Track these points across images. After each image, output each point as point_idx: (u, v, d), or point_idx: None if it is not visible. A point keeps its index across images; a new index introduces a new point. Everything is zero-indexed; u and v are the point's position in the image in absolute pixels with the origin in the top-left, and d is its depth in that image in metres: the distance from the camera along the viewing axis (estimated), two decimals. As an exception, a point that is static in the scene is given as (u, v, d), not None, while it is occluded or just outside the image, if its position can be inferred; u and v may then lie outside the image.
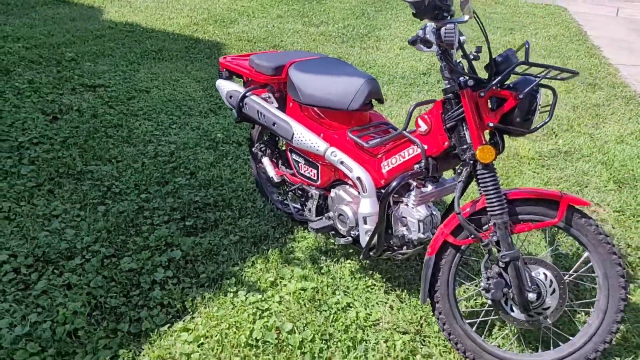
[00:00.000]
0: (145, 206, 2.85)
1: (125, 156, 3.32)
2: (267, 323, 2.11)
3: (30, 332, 2.02)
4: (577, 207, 1.79)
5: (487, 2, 8.74)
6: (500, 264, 1.80)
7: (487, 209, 1.79)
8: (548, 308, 1.82)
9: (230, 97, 2.49)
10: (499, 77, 1.73)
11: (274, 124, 2.32)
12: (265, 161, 2.54)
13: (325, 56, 2.52)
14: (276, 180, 2.48)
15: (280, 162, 2.62)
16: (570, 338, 1.88)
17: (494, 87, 1.74)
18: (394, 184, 1.93)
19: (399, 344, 2.00)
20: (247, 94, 2.44)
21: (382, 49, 6.04)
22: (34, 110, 3.72)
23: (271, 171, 2.50)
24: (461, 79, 1.77)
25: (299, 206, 2.62)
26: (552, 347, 1.93)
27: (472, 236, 1.82)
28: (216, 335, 2.06)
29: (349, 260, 2.48)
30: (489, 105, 1.79)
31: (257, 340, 2.03)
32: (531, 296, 1.78)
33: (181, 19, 6.43)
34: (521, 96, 1.70)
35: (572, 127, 3.93)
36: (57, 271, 2.35)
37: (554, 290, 1.82)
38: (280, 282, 2.36)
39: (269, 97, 2.44)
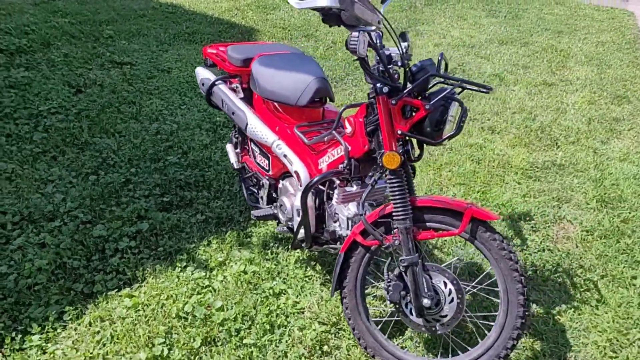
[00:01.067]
0: (132, 179, 3.08)
1: (129, 131, 3.57)
2: (202, 299, 2.27)
3: (-4, 281, 2.29)
4: (483, 220, 1.81)
5: (546, 1, 8.39)
6: (401, 267, 1.86)
7: (393, 213, 1.85)
8: (445, 316, 1.87)
9: (203, 84, 2.64)
10: (410, 87, 1.78)
11: (233, 112, 2.45)
12: (229, 147, 2.68)
13: (296, 51, 2.61)
14: (235, 166, 2.62)
15: (246, 150, 2.76)
16: (469, 349, 1.92)
17: (405, 96, 1.79)
18: (315, 179, 2.02)
19: (312, 334, 2.10)
20: (216, 82, 2.58)
21: (415, 44, 6.00)
22: (61, 82, 4.05)
23: (232, 157, 2.64)
24: (378, 85, 1.82)
25: (256, 191, 2.74)
26: (450, 355, 1.97)
27: (375, 238, 1.89)
28: (154, 305, 2.24)
29: (298, 251, 2.59)
30: (405, 113, 1.84)
31: (187, 314, 2.20)
32: (426, 302, 1.83)
33: (224, 2, 6.65)
34: (427, 107, 1.74)
35: (578, 140, 3.80)
36: (36, 230, 2.62)
37: (452, 300, 1.86)
38: (228, 263, 2.51)
39: (237, 88, 2.57)
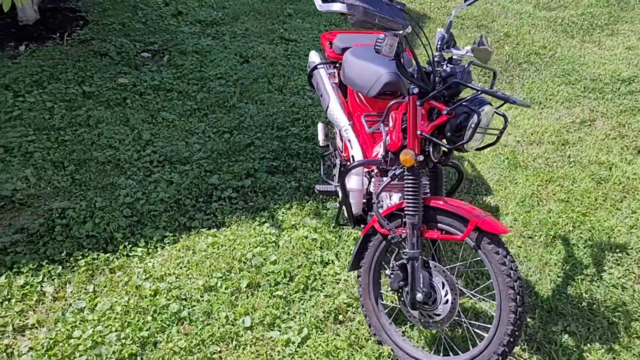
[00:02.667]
0: (255, 142, 3.61)
1: (270, 101, 4.11)
2: (263, 251, 2.69)
3: (131, 202, 3.01)
4: (489, 232, 1.85)
5: None
6: (403, 259, 2.00)
7: (404, 209, 1.99)
8: (439, 315, 1.96)
9: (309, 66, 2.98)
10: (434, 92, 1.88)
11: (321, 95, 2.75)
12: (320, 125, 2.98)
13: None
14: (321, 144, 2.93)
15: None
16: (459, 353, 1.99)
17: (430, 100, 1.90)
18: (352, 164, 2.24)
19: (335, 302, 2.37)
20: (318, 66, 2.89)
21: (605, 45, 5.45)
22: (233, 53, 4.77)
23: (321, 135, 2.95)
24: (411, 85, 1.95)
25: (332, 169, 2.99)
26: (441, 354, 2.05)
27: (384, 228, 2.05)
28: (227, 246, 2.73)
29: (358, 231, 2.83)
30: (432, 116, 1.95)
31: (247, 260, 2.64)
32: (419, 296, 1.95)
33: (408, -13, 6.81)
34: (444, 112, 1.84)
35: None
36: (169, 170, 3.31)
37: (447, 301, 1.94)
38: (298, 227, 2.87)
39: (334, 73, 2.85)
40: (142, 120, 3.79)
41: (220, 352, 2.14)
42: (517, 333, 1.84)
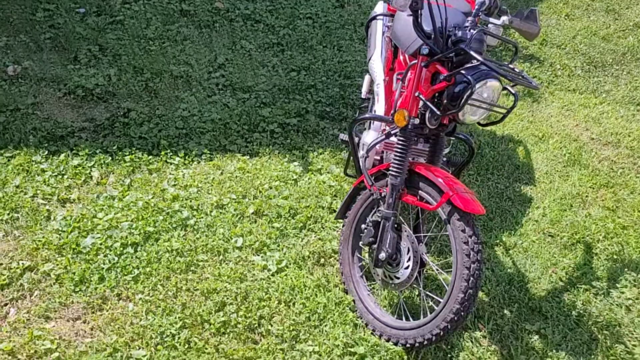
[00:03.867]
0: (318, 85, 3.70)
1: (348, 49, 4.13)
2: (281, 185, 2.84)
3: (186, 117, 3.29)
4: (459, 208, 1.83)
5: None
6: (377, 217, 2.04)
7: (389, 168, 2.01)
8: (398, 278, 2.00)
9: (369, 16, 2.98)
10: (439, 55, 1.84)
11: (369, 45, 2.76)
12: (366, 78, 2.98)
13: (461, 7, 2.68)
14: (363, 95, 2.94)
15: None
16: (410, 319, 2.02)
17: (436, 63, 1.87)
18: (359, 117, 2.27)
19: (322, 244, 2.47)
20: (376, 17, 2.88)
21: None
22: (333, -4, 4.81)
23: (365, 87, 2.95)
24: (423, 45, 1.92)
25: None
26: (395, 316, 2.09)
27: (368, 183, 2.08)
28: (251, 174, 2.92)
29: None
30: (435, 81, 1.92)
31: (263, 189, 2.81)
32: (382, 255, 2.00)
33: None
34: (442, 77, 1.81)
35: None
36: (229, 94, 3.52)
37: (407, 267, 1.97)
38: (322, 172, 2.97)
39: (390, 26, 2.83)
40: (223, 45, 4.02)
41: (205, 261, 2.37)
42: (462, 313, 1.83)
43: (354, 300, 2.18)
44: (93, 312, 2.11)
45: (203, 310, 2.09)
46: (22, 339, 1.98)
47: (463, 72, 1.84)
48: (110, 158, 2.96)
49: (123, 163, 2.94)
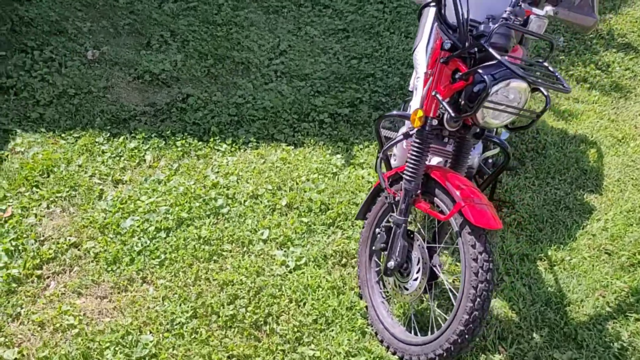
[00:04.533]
0: (377, 74, 3.58)
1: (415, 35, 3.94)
2: (317, 177, 2.79)
3: (240, 103, 3.33)
4: (469, 221, 1.68)
5: None
6: (390, 222, 1.93)
7: (404, 172, 1.89)
8: (407, 289, 1.89)
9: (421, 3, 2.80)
10: (458, 51, 1.69)
11: (417, 34, 2.60)
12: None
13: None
14: (410, 88, 2.79)
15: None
16: (418, 334, 1.91)
17: (457, 59, 1.72)
18: (387, 113, 2.15)
19: (346, 244, 2.40)
20: (429, 3, 2.70)
21: None
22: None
23: (412, 79, 2.79)
24: (446, 39, 1.77)
25: None
26: (404, 327, 1.98)
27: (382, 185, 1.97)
28: (291, 164, 2.90)
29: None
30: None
31: (302, 180, 2.78)
32: (391, 263, 1.90)
33: None
34: (457, 76, 1.66)
35: None
36: (285, 82, 3.51)
37: (417, 279, 1.85)
38: (364, 165, 2.88)
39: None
40: (287, 30, 4.01)
41: (229, 251, 2.40)
42: (466, 335, 1.69)
43: (366, 307, 2.10)
44: (119, 293, 2.22)
45: (215, 302, 2.12)
46: (52, 312, 2.14)
47: (480, 71, 1.66)
48: (164, 142, 3.09)
49: (174, 148, 3.05)
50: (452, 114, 1.75)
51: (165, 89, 3.51)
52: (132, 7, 4.18)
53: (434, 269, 1.85)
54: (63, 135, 3.12)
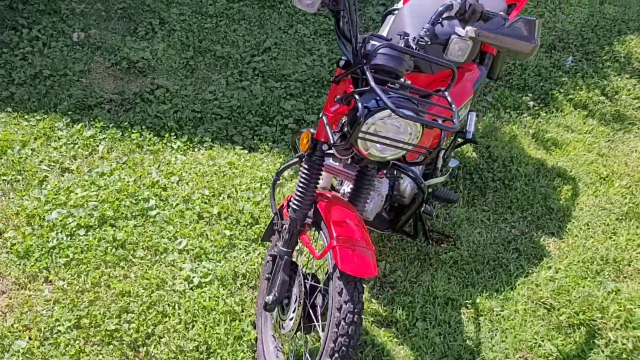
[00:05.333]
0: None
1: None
2: (257, 186, 2.64)
3: (208, 100, 3.21)
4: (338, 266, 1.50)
5: None
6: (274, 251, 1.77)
7: (291, 199, 1.71)
8: (283, 328, 1.72)
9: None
10: (345, 72, 1.51)
11: None
12: None
13: None
14: None
15: None
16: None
17: (346, 77, 1.54)
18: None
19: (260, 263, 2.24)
20: (392, 11, 2.50)
21: None
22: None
23: None
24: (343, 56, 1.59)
25: None
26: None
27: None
28: (238, 169, 2.76)
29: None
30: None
31: (240, 189, 2.64)
32: (269, 298, 1.73)
33: None
34: (336, 99, 1.49)
35: None
36: (260, 82, 3.37)
37: (292, 319, 1.68)
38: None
39: None
40: (278, 27, 3.86)
41: (141, 258, 2.29)
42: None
43: (255, 339, 1.94)
44: (17, 290, 2.17)
45: (103, 313, 2.02)
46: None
47: (357, 97, 1.47)
48: (120, 133, 3.02)
49: (129, 140, 2.97)
50: (332, 141, 1.56)
51: (140, 78, 3.44)
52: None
53: (310, 310, 1.67)
54: (27, 116, 3.11)
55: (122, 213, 2.50)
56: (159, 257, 2.30)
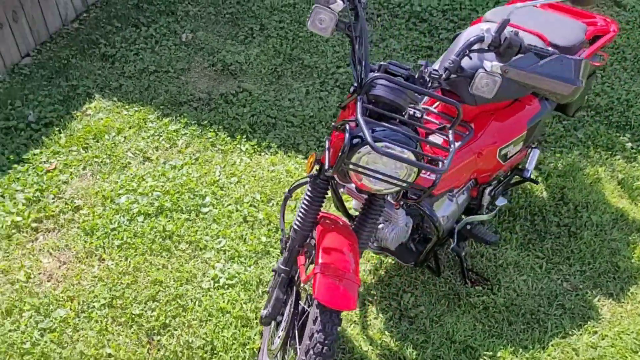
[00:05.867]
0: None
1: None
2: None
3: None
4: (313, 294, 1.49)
5: None
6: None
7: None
8: (273, 344, 1.74)
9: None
10: (348, 99, 1.50)
11: None
12: None
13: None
14: None
15: None
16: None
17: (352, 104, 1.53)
18: None
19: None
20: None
21: None
22: None
23: None
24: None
25: None
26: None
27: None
28: (300, 176, 2.82)
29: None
30: None
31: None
32: (263, 312, 1.76)
33: None
34: (332, 125, 1.48)
35: None
36: (345, 94, 3.41)
37: (279, 335, 1.69)
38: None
39: None
40: (371, 41, 3.84)
41: (182, 251, 2.44)
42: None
43: (259, 349, 1.98)
44: (75, 262, 2.43)
45: (134, 297, 2.20)
46: (17, 264, 2.41)
47: (347, 126, 1.43)
48: (200, 131, 3.23)
49: (205, 138, 3.17)
50: (327, 167, 1.54)
51: (230, 80, 3.65)
52: (240, -3, 4.39)
53: (297, 331, 1.66)
54: (127, 106, 3.45)
55: (179, 206, 2.68)
56: (197, 253, 2.43)
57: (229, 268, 2.33)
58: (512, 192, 2.55)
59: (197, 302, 2.17)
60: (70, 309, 2.18)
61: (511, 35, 1.54)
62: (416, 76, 1.55)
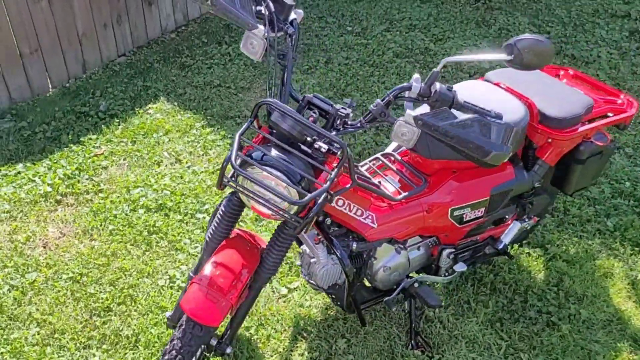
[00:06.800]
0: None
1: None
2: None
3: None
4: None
5: None
6: None
7: None
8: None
9: None
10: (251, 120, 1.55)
11: None
12: None
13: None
14: None
15: None
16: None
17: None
18: None
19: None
20: None
21: None
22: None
23: None
24: None
25: None
26: None
27: None
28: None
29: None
30: None
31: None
32: (168, 313, 1.80)
33: None
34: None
35: None
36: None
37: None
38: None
39: None
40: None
41: (160, 248, 2.58)
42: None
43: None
44: (72, 237, 2.67)
45: (98, 277, 2.36)
46: (27, 230, 2.70)
47: (253, 147, 1.47)
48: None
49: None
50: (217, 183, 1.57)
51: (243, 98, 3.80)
52: (321, 31, 4.59)
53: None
54: (182, 112, 3.74)
55: (179, 207, 2.84)
56: (172, 252, 2.56)
57: (186, 273, 2.42)
58: (494, 262, 2.35)
59: (145, 296, 2.29)
60: (44, 274, 2.40)
61: (442, 89, 1.48)
62: (331, 113, 1.55)
